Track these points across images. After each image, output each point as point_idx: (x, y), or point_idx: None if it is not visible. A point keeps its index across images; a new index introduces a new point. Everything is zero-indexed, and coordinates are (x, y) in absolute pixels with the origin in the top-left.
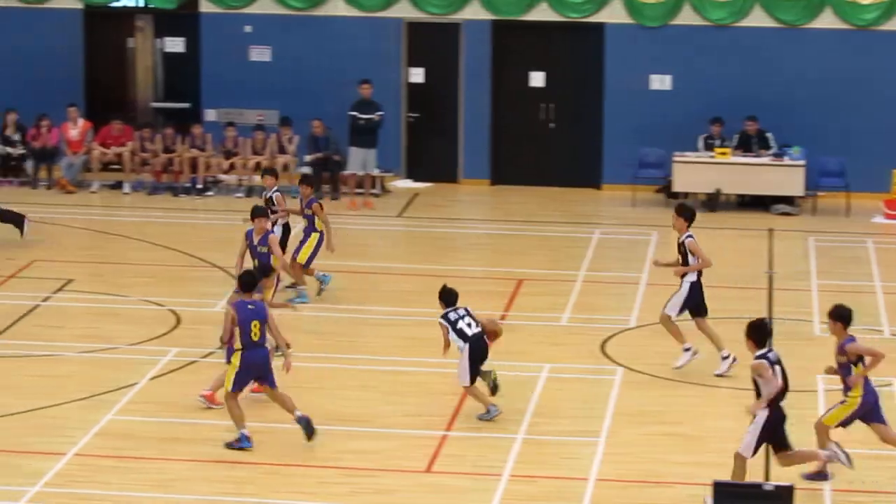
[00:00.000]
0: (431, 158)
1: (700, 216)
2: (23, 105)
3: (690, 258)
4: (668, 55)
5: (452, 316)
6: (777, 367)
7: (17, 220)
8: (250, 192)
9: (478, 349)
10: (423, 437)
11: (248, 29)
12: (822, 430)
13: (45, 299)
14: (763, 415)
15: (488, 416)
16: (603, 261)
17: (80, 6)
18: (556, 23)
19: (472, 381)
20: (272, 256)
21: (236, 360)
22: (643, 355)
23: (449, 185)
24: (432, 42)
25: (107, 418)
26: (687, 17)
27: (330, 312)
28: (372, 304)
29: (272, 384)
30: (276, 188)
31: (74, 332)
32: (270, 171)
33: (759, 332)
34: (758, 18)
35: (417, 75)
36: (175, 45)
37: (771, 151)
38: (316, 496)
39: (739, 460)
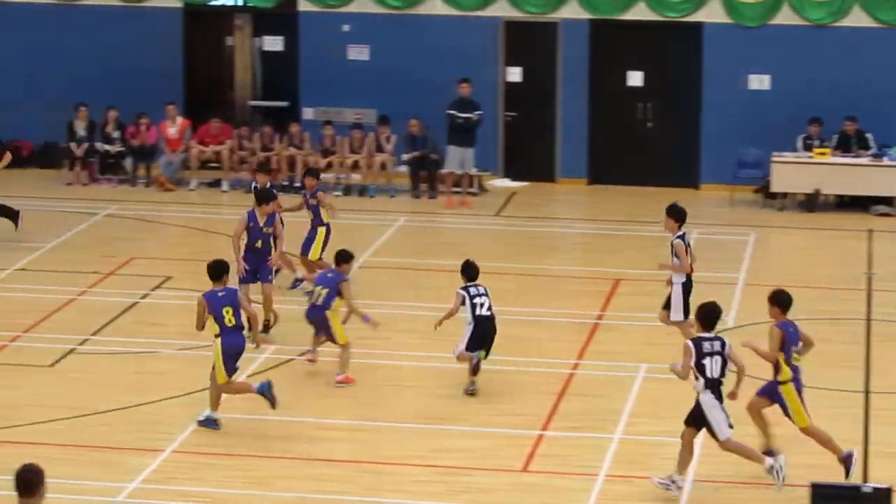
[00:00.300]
0: (529, 157)
1: (799, 217)
2: (122, 103)
3: (674, 259)
4: (767, 55)
5: (472, 291)
6: (716, 357)
7: (11, 214)
8: (348, 190)
9: (483, 330)
10: (519, 436)
11: (346, 28)
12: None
13: (144, 296)
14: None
15: (471, 388)
16: (700, 261)
17: (179, 5)
18: (655, 22)
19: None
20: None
21: (217, 348)
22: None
23: (546, 184)
24: (530, 41)
25: (204, 415)
26: (785, 16)
27: (426, 311)
28: None
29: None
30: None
31: (172, 329)
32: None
33: (708, 317)
34: (857, 18)
35: (515, 74)
36: (274, 43)
37: (870, 152)
38: (411, 495)
39: (726, 445)
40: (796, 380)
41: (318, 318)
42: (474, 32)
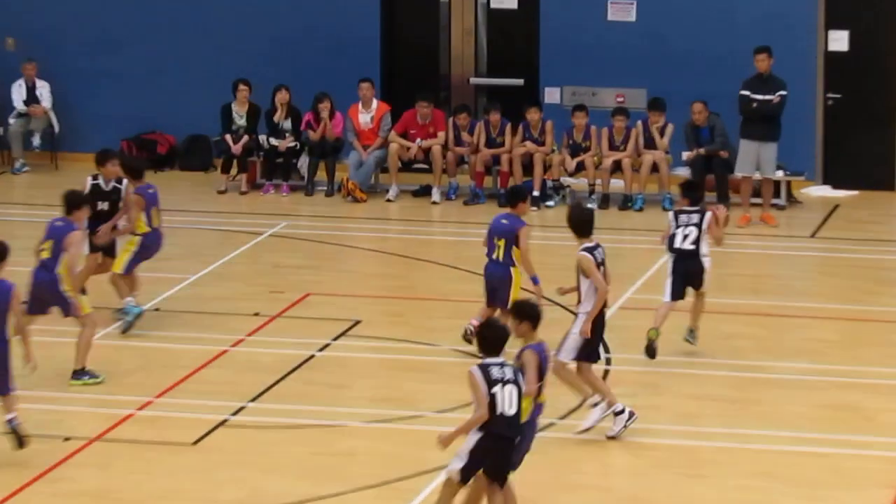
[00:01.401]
0: (858, 157)
1: None
2: (297, 81)
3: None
4: None
5: (682, 217)
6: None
7: None
8: (605, 200)
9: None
10: None
11: None
12: None
13: (323, 347)
14: None
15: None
16: None
17: None
18: None
19: None
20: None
21: None
22: None
23: (883, 193)
24: None
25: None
26: None
27: (721, 370)
28: (776, 359)
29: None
30: None
31: (362, 392)
32: None
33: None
34: None
35: (839, 41)
36: None
37: None
38: None
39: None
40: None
41: (499, 278)
42: None
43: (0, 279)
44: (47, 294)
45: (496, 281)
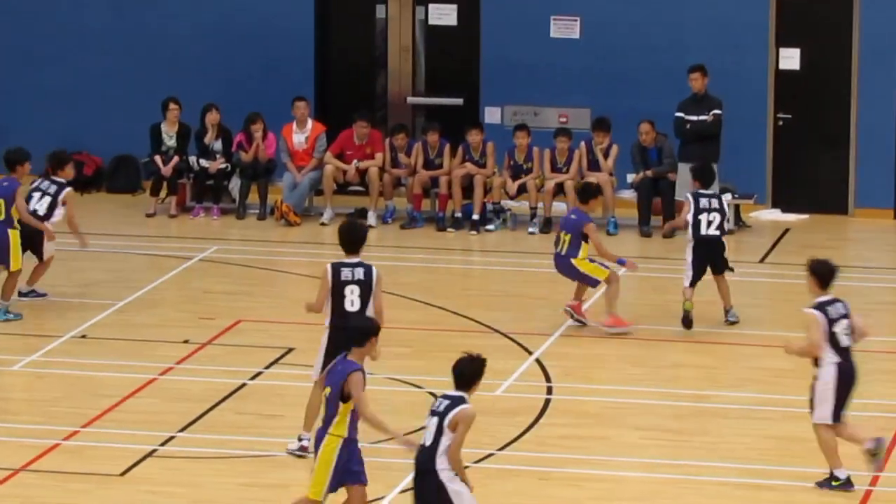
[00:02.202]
0: (810, 179)
1: None
2: (228, 100)
3: None
4: None
5: (703, 201)
6: None
7: None
8: (547, 224)
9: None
10: None
11: None
12: None
13: (255, 376)
14: None
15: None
16: None
17: None
18: None
19: None
20: None
21: None
22: None
23: (836, 217)
24: (814, 11)
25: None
26: None
27: (667, 400)
28: (724, 389)
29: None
30: None
31: (295, 422)
32: None
33: None
34: None
35: (791, 59)
36: (444, 15)
37: None
38: None
39: None
40: None
41: (562, 269)
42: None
43: None
44: None
45: (561, 271)
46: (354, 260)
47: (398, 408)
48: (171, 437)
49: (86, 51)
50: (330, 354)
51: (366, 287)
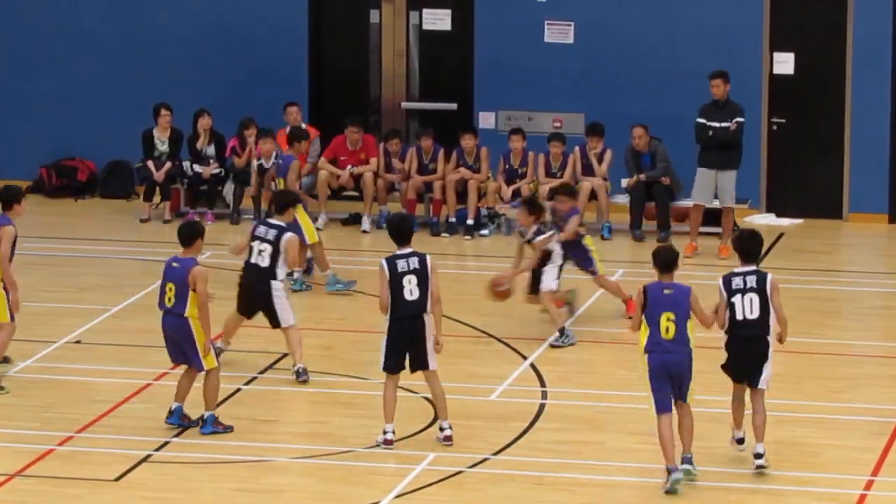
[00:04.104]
0: (804, 184)
1: None
2: (221, 106)
3: None
4: None
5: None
6: None
7: None
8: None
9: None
10: None
11: None
12: None
13: (249, 381)
14: None
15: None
16: None
17: None
18: None
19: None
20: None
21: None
22: None
23: (830, 221)
24: (808, 15)
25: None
26: None
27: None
28: (716, 394)
29: (196, 366)
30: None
31: (290, 427)
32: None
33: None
34: None
35: (785, 63)
36: (437, 19)
37: None
38: None
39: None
40: None
41: None
42: (729, 4)
43: None
44: None
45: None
46: (408, 251)
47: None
48: (166, 443)
49: (79, 55)
50: (393, 344)
51: (422, 275)
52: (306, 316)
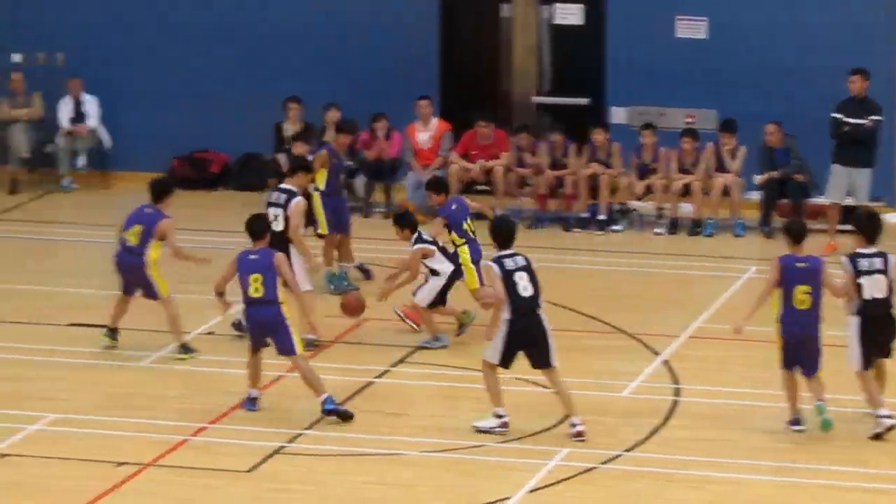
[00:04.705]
0: None
1: None
2: (351, 99)
3: None
4: None
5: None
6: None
7: None
8: (674, 225)
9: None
10: None
11: None
12: None
13: (381, 374)
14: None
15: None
16: None
17: None
18: None
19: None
20: None
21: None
22: None
23: None
24: None
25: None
26: None
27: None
28: (854, 393)
29: (290, 353)
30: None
31: (421, 421)
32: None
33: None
34: None
35: None
36: (569, 14)
37: None
38: None
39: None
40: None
41: None
42: (862, 1)
43: None
44: (134, 277)
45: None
46: (512, 251)
47: (523, 407)
48: (298, 435)
49: (212, 50)
50: (511, 340)
51: (530, 271)
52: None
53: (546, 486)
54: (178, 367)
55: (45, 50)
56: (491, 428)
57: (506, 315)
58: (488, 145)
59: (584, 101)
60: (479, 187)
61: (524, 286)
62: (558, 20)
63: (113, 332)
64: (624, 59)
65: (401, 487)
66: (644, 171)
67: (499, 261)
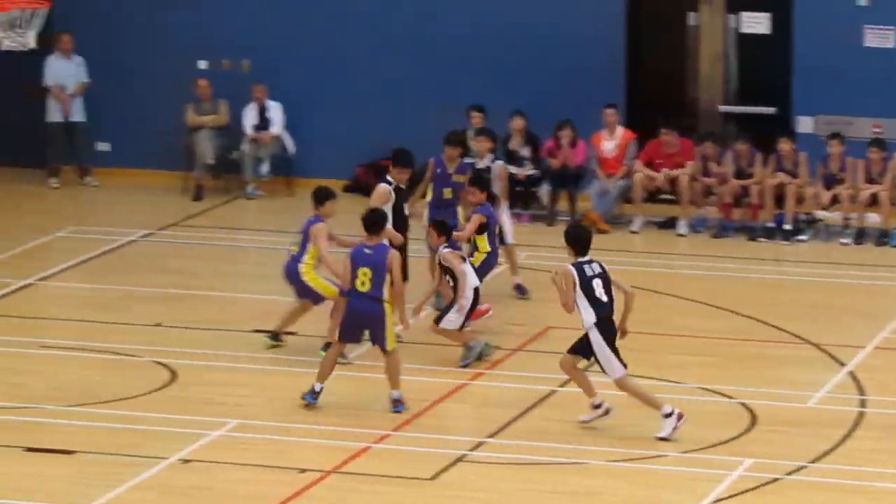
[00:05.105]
0: None
1: None
2: (536, 107)
3: None
4: None
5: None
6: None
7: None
8: (861, 235)
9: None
10: None
11: (862, 2)
12: None
13: (564, 383)
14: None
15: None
16: None
17: None
18: None
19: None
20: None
21: (341, 305)
22: None
23: None
24: None
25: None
26: None
27: None
28: None
29: (382, 345)
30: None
31: (603, 430)
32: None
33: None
34: None
35: None
36: (756, 22)
37: None
38: None
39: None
40: None
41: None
42: None
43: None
44: (294, 283)
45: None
46: (588, 258)
47: (707, 417)
48: (481, 443)
49: (394, 57)
50: (610, 346)
51: (606, 279)
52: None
53: (730, 497)
54: (364, 374)
55: (231, 56)
56: (670, 431)
57: (592, 319)
58: (673, 154)
59: (770, 110)
60: (664, 196)
61: (601, 293)
62: (745, 28)
63: (276, 335)
64: (811, 68)
65: (583, 496)
66: (830, 181)
67: (579, 267)
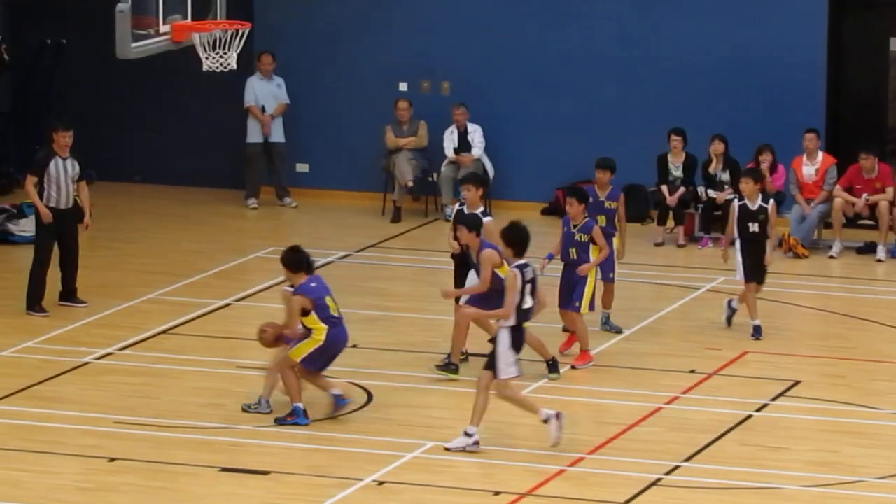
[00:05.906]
0: None
1: None
2: (736, 131)
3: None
4: None
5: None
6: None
7: None
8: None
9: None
10: None
11: None
12: None
13: (761, 408)
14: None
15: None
16: None
17: None
18: None
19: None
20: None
21: (320, 335)
22: None
23: None
24: None
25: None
26: None
27: None
28: None
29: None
30: None
31: (800, 455)
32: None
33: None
34: None
35: None
36: None
37: None
38: None
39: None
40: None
41: None
42: None
43: None
44: None
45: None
46: (525, 261)
47: None
48: (676, 467)
49: (596, 79)
50: (516, 349)
51: (535, 285)
52: (818, 344)
53: None
54: (557, 396)
55: (431, 79)
56: (557, 435)
57: (511, 323)
58: (873, 179)
59: None
60: (863, 221)
61: (527, 299)
62: None
63: (448, 365)
64: None
65: None
66: None
67: (522, 269)
